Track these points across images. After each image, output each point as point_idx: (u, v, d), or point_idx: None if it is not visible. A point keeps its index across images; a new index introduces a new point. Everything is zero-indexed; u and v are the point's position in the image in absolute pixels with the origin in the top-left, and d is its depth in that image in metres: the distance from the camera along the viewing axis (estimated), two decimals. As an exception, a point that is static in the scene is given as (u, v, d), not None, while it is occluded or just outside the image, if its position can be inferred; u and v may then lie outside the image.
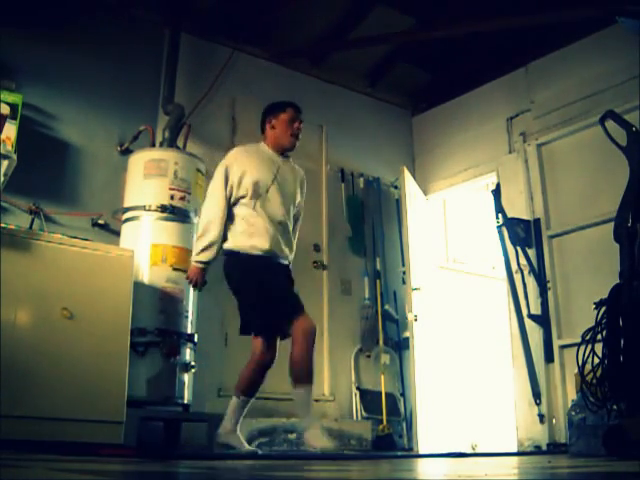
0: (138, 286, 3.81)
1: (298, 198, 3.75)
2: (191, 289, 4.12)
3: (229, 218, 3.53)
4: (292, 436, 4.65)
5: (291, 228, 3.67)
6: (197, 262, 3.51)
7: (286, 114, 3.65)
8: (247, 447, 3.49)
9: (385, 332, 5.56)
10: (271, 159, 3.64)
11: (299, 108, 3.72)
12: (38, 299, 3.36)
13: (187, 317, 4.09)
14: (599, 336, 3.42)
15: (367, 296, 5.61)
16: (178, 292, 4.05)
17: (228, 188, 3.52)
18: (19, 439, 3.04)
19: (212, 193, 3.54)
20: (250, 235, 3.48)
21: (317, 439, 3.31)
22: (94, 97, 4.63)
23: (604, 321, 3.42)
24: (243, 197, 3.51)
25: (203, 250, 3.47)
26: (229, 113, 5.26)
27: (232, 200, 3.53)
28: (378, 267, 5.73)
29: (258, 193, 3.50)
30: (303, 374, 3.38)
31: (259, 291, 3.43)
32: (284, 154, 3.70)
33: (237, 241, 3.50)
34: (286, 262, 3.62)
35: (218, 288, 4.62)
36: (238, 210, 3.53)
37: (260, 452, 3.61)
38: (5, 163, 3.67)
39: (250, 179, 3.50)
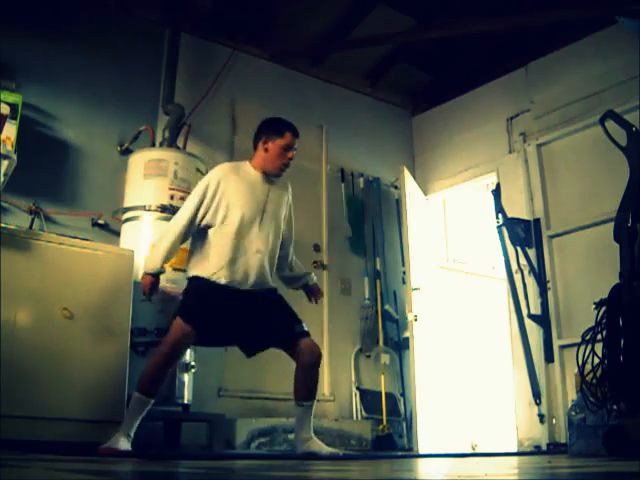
0: (138, 286, 3.80)
1: (283, 223, 3.48)
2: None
3: (197, 241, 3.30)
4: (292, 436, 4.65)
5: (274, 254, 3.40)
6: (145, 273, 3.28)
7: (283, 140, 3.34)
8: (328, 449, 3.34)
9: (385, 332, 5.56)
10: (258, 185, 3.36)
11: (297, 133, 3.41)
12: (38, 299, 3.36)
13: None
14: (599, 336, 3.42)
15: (367, 296, 5.61)
16: (178, 292, 4.03)
17: (202, 209, 3.25)
18: (19, 439, 3.04)
19: (184, 207, 3.31)
20: (213, 263, 3.24)
21: None
22: (94, 97, 4.63)
23: (604, 321, 3.42)
24: (213, 224, 3.27)
25: (151, 260, 3.28)
26: (229, 113, 5.26)
27: (203, 222, 3.26)
28: (378, 267, 5.73)
29: (239, 226, 3.26)
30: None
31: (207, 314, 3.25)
32: (270, 178, 3.41)
33: (199, 267, 3.28)
34: (250, 288, 3.29)
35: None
36: (209, 235, 3.28)
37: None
38: (5, 163, 3.67)
39: (226, 202, 3.26)
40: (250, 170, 3.39)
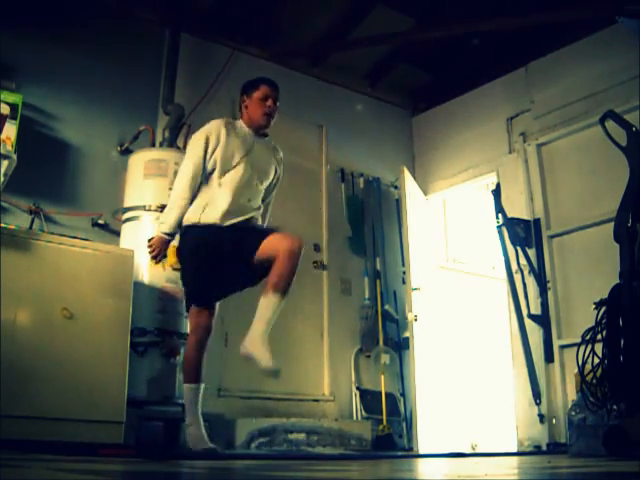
0: (138, 286, 3.81)
1: (271, 177, 3.58)
2: None
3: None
4: (292, 436, 4.65)
5: (259, 202, 3.51)
6: (161, 232, 3.37)
7: (259, 92, 3.50)
8: (205, 445, 3.27)
9: (385, 332, 5.56)
10: (246, 136, 3.50)
11: (274, 84, 3.57)
12: (38, 299, 3.36)
13: (187, 317, 4.08)
14: (599, 336, 3.42)
15: (367, 296, 5.60)
16: (178, 292, 4.03)
17: (207, 156, 3.38)
18: (19, 439, 3.04)
19: (186, 163, 3.39)
20: (203, 207, 3.35)
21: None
22: (94, 97, 4.63)
23: (604, 321, 3.42)
24: (212, 172, 3.39)
25: (166, 220, 3.37)
26: (229, 113, 5.24)
27: (206, 171, 3.39)
28: (378, 267, 5.72)
29: (225, 167, 3.38)
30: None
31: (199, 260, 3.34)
32: (260, 133, 3.55)
33: (190, 214, 3.36)
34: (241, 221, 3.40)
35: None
36: (205, 184, 3.40)
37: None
38: (5, 163, 3.67)
39: (220, 152, 3.38)
40: (241, 125, 3.55)
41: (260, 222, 3.59)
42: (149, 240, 3.41)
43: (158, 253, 3.37)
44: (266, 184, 3.56)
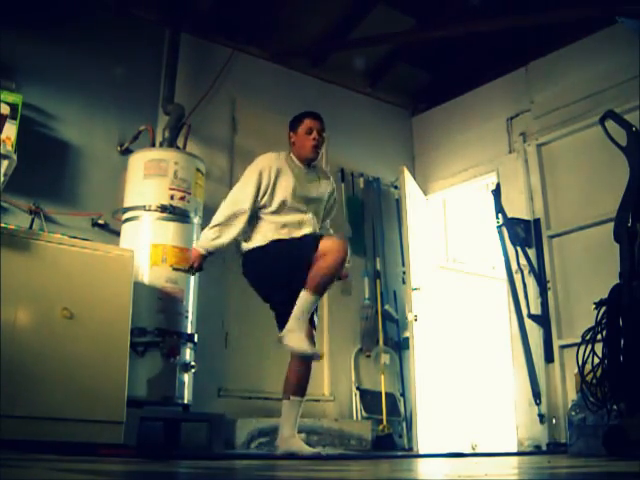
0: (138, 286, 3.81)
1: (324, 203, 3.68)
2: (191, 288, 4.13)
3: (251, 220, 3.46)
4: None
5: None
6: (202, 248, 3.44)
7: (303, 125, 3.59)
8: (309, 449, 3.39)
9: (385, 332, 5.56)
10: (298, 170, 3.57)
11: (316, 116, 3.63)
12: (38, 299, 3.36)
13: (187, 317, 4.09)
14: (599, 336, 3.42)
15: (367, 296, 5.60)
16: (178, 292, 4.05)
17: (260, 192, 3.43)
18: (19, 439, 3.04)
19: (243, 189, 3.44)
20: (263, 235, 3.45)
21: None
22: (94, 97, 4.63)
23: (604, 321, 3.42)
24: (266, 206, 3.44)
25: (215, 239, 3.40)
26: (229, 113, 5.26)
27: (257, 205, 3.44)
28: (378, 267, 5.73)
29: (285, 205, 3.45)
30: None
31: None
32: (310, 165, 3.63)
33: (249, 242, 3.46)
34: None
35: (218, 288, 4.64)
36: (264, 215, 3.47)
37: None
38: (5, 163, 3.67)
39: (280, 193, 3.45)
40: (292, 159, 3.62)
41: None
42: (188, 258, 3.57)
43: (191, 267, 3.48)
44: (321, 212, 3.68)
